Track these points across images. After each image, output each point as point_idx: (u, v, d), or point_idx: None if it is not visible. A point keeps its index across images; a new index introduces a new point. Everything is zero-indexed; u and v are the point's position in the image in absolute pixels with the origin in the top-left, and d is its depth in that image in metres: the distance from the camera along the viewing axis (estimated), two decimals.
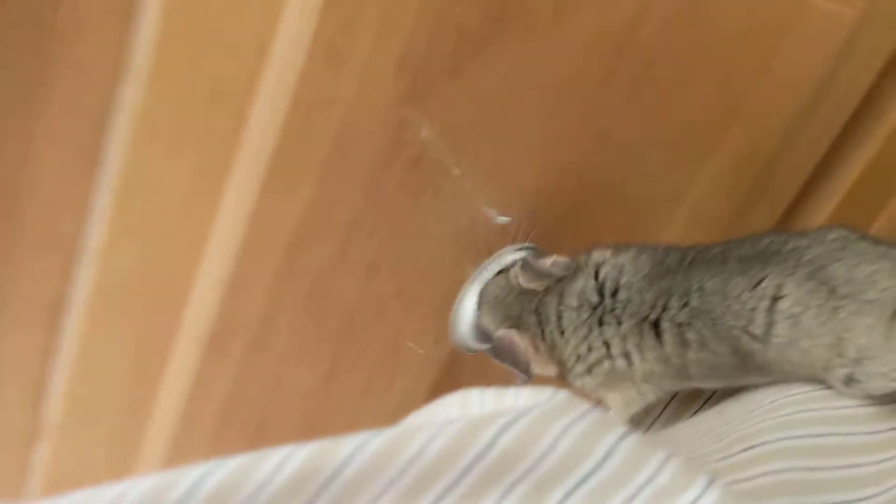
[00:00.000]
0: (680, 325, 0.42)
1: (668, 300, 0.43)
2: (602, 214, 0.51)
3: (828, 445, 0.39)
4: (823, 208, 0.58)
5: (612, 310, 0.44)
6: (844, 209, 0.58)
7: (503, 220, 0.48)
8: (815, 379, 0.42)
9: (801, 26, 0.48)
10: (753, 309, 0.41)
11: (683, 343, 0.42)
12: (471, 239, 0.48)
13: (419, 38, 0.40)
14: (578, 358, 0.45)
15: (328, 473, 0.26)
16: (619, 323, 0.43)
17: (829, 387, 0.42)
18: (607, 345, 0.44)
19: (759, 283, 0.41)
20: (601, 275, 0.44)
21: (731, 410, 0.45)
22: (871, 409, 0.41)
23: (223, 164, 0.41)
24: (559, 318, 0.45)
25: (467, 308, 0.48)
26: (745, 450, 0.40)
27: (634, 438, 0.30)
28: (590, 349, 0.44)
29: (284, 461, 0.27)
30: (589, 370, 0.44)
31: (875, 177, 0.57)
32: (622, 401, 0.45)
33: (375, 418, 0.54)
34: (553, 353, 0.45)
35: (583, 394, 0.46)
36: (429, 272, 0.49)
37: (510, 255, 0.48)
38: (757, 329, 0.41)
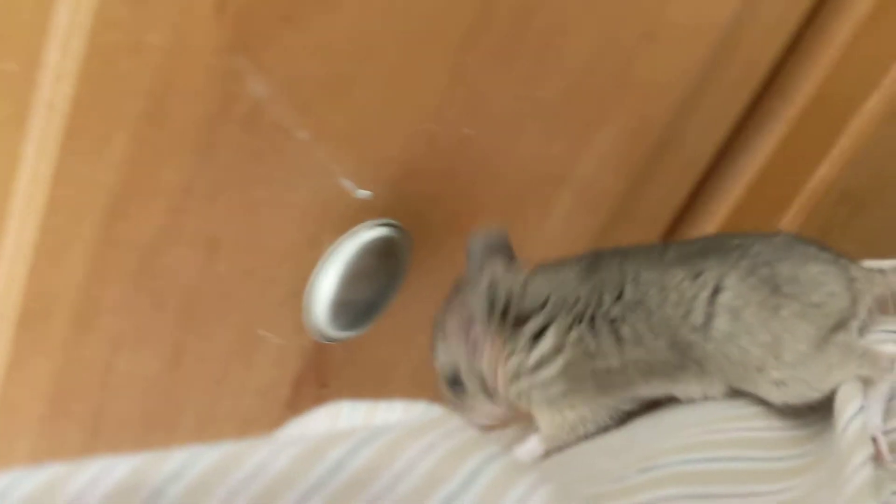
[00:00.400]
0: (613, 320, 0.40)
1: (601, 295, 0.40)
2: (477, 190, 0.46)
3: (729, 471, 0.37)
4: (733, 192, 0.54)
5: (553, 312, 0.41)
6: (753, 198, 0.54)
7: (364, 193, 0.44)
8: (746, 380, 0.39)
9: None
10: (694, 298, 0.39)
11: (618, 340, 0.40)
12: (327, 213, 0.44)
13: None
14: (540, 362, 0.41)
15: (149, 491, 0.23)
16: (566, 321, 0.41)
17: (752, 396, 0.40)
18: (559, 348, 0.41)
19: (699, 273, 0.39)
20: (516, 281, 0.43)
21: (639, 426, 0.42)
22: (781, 434, 0.39)
23: (18, 113, 0.36)
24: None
25: (322, 291, 0.44)
26: (641, 471, 0.37)
27: (504, 460, 0.27)
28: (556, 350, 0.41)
29: (101, 475, 0.23)
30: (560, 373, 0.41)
31: (785, 160, 0.53)
32: (575, 418, 0.41)
33: (232, 412, 0.50)
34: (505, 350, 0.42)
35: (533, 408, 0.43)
36: (281, 250, 0.44)
37: (370, 232, 0.44)
38: (696, 319, 0.38)
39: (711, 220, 0.55)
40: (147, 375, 0.46)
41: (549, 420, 0.42)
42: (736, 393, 0.40)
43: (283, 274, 0.45)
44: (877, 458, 0.36)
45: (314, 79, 0.39)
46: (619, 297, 0.40)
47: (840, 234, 0.58)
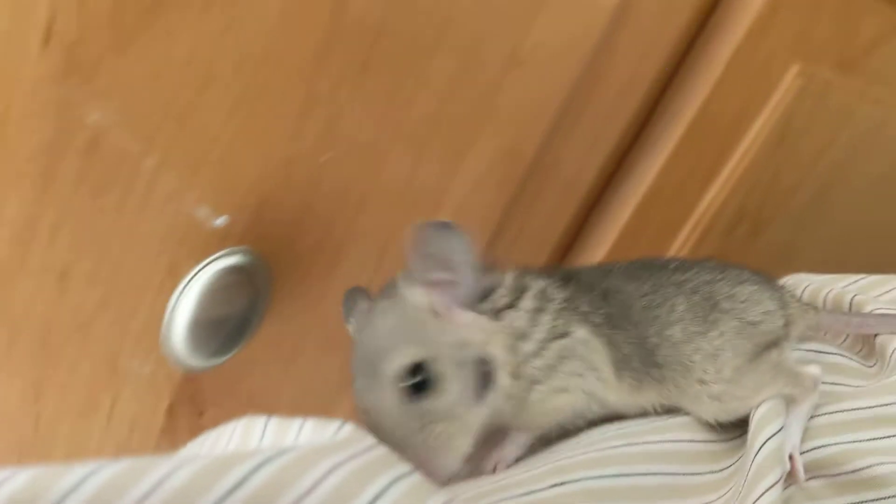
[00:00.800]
0: (596, 300, 0.40)
1: (576, 284, 0.40)
2: (344, 214, 0.46)
3: (641, 486, 0.36)
4: (622, 214, 0.54)
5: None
6: (643, 219, 0.53)
7: (221, 221, 0.43)
8: (690, 394, 0.39)
9: (548, 13, 0.43)
10: (657, 307, 0.40)
11: (606, 313, 0.39)
12: (185, 242, 0.43)
13: (65, 6, 0.35)
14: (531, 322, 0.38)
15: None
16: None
17: (684, 412, 0.40)
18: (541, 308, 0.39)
19: (659, 288, 0.40)
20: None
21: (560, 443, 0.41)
22: (703, 447, 0.39)
23: None
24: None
25: (178, 321, 0.43)
26: (555, 485, 0.36)
27: (410, 480, 0.26)
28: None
29: None
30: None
31: (673, 181, 0.52)
32: (567, 400, 0.39)
33: (105, 442, 0.49)
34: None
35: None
36: (138, 280, 0.43)
37: (226, 261, 0.43)
38: (659, 325, 0.39)
39: (602, 243, 0.54)
40: (10, 407, 0.45)
41: (542, 399, 0.38)
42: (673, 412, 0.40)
43: (143, 304, 0.44)
44: (792, 476, 0.36)
45: (155, 106, 0.39)
46: (592, 289, 0.40)
47: (740, 253, 0.57)
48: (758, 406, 0.38)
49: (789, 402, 0.38)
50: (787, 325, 0.41)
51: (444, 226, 0.35)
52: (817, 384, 0.39)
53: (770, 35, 0.49)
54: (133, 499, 0.23)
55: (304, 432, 0.29)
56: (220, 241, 0.43)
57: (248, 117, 0.41)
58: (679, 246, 0.55)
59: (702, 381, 0.39)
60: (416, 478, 0.26)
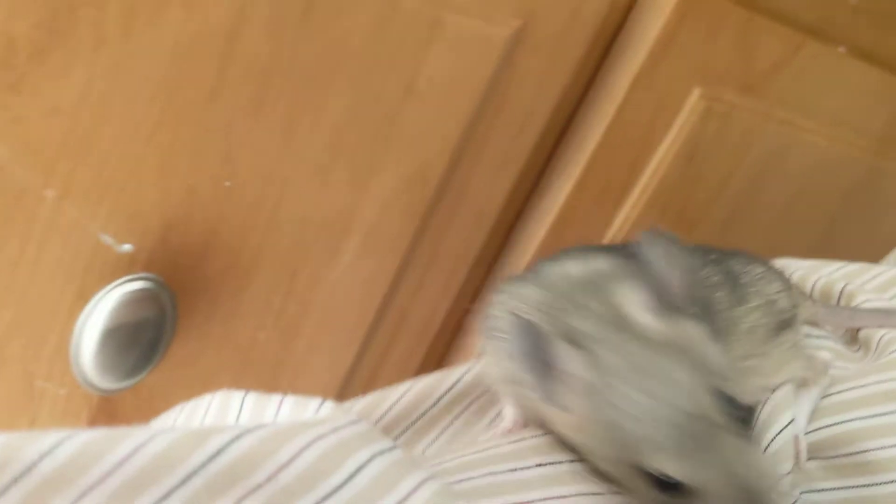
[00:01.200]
0: None
1: None
2: (251, 241, 0.47)
3: None
4: (537, 234, 0.55)
5: None
6: (555, 239, 0.54)
7: (126, 247, 0.45)
8: None
9: (441, 45, 0.45)
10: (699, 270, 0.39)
11: None
12: (91, 268, 0.44)
13: None
14: None
15: (21, 466, 0.22)
16: None
17: None
18: None
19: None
20: None
21: None
22: None
23: None
24: None
25: (87, 343, 0.44)
26: (540, 465, 0.33)
27: (391, 455, 0.26)
28: None
29: None
30: None
31: (584, 202, 0.54)
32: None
33: None
34: None
35: None
36: (47, 305, 0.45)
37: (127, 286, 0.44)
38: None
39: (519, 263, 0.55)
40: None
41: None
42: None
43: (54, 328, 0.45)
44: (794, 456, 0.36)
45: (52, 140, 0.40)
46: None
47: None
48: (772, 391, 0.37)
49: (801, 385, 0.38)
50: (794, 306, 0.41)
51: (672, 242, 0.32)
52: (828, 369, 0.39)
53: (670, 59, 0.50)
54: (110, 463, 0.23)
55: (283, 409, 0.29)
56: (127, 266, 0.45)
57: (145, 150, 0.42)
58: None
59: (743, 355, 0.37)
60: (398, 453, 0.27)
